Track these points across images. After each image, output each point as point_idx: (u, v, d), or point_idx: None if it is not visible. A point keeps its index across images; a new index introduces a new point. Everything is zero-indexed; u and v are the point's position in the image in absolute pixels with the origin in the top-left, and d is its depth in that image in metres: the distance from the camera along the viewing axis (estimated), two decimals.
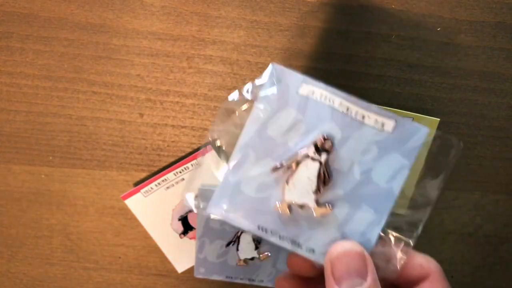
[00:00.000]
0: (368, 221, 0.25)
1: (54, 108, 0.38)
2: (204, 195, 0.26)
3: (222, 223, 0.29)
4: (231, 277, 0.39)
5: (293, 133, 0.25)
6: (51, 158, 0.39)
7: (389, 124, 0.24)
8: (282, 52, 0.37)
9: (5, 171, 0.40)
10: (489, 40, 0.37)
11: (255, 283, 0.39)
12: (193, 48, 0.37)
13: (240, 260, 0.39)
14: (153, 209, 0.39)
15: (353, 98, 0.25)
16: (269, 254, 0.38)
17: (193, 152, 0.39)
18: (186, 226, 0.40)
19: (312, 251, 0.25)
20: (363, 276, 0.23)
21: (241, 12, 0.36)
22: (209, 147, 0.28)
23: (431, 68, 0.37)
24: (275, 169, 0.25)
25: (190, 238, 0.40)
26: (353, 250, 0.24)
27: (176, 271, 0.41)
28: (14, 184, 0.40)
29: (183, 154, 0.39)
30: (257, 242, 0.38)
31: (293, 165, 0.25)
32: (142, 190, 0.39)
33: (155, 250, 0.41)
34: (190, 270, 0.41)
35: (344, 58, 0.37)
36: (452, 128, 0.38)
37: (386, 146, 0.24)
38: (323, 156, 0.24)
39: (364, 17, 0.36)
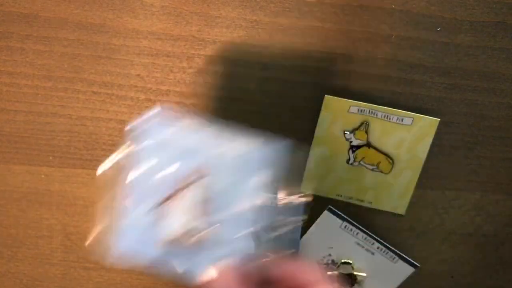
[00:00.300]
0: (249, 234, 0.26)
1: (54, 108, 0.38)
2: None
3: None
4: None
5: (169, 168, 0.26)
6: (51, 158, 0.39)
7: (254, 146, 0.26)
8: (282, 52, 0.37)
9: (5, 171, 0.40)
10: (489, 40, 0.37)
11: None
12: (193, 48, 0.37)
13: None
14: None
15: (216, 130, 0.27)
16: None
17: None
18: None
19: (197, 274, 0.26)
20: None
21: (241, 12, 0.36)
22: None
23: (431, 68, 0.37)
24: (164, 201, 0.25)
25: None
26: (225, 269, 0.25)
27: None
28: (14, 184, 0.40)
29: None
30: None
31: (178, 195, 0.25)
32: None
33: None
34: None
35: (344, 58, 0.37)
36: (452, 128, 0.39)
37: (253, 166, 0.26)
38: (205, 181, 0.26)
39: (364, 17, 0.36)
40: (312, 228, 0.39)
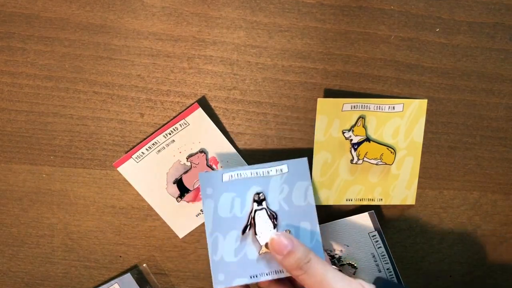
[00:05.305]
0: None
1: (55, 108, 0.39)
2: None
3: (231, 208, 0.36)
4: (256, 276, 0.34)
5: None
6: (52, 157, 0.40)
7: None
8: (282, 52, 0.37)
9: (7, 170, 0.40)
10: (488, 41, 0.37)
11: (284, 273, 0.34)
12: (193, 49, 0.37)
13: (262, 247, 0.35)
14: (147, 174, 0.39)
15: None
16: (290, 231, 0.35)
17: (181, 113, 0.39)
18: (182, 189, 0.40)
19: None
20: (289, 250, 0.32)
21: (241, 13, 0.37)
22: (195, 105, 0.37)
23: (429, 69, 0.38)
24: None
25: (188, 202, 0.40)
26: (280, 234, 0.33)
27: (176, 271, 0.41)
28: (15, 183, 0.40)
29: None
30: (274, 218, 0.35)
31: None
32: (134, 156, 0.38)
33: (155, 249, 0.41)
34: (191, 238, 0.41)
35: (343, 58, 0.37)
36: (450, 129, 0.39)
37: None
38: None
39: (363, 18, 0.37)
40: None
